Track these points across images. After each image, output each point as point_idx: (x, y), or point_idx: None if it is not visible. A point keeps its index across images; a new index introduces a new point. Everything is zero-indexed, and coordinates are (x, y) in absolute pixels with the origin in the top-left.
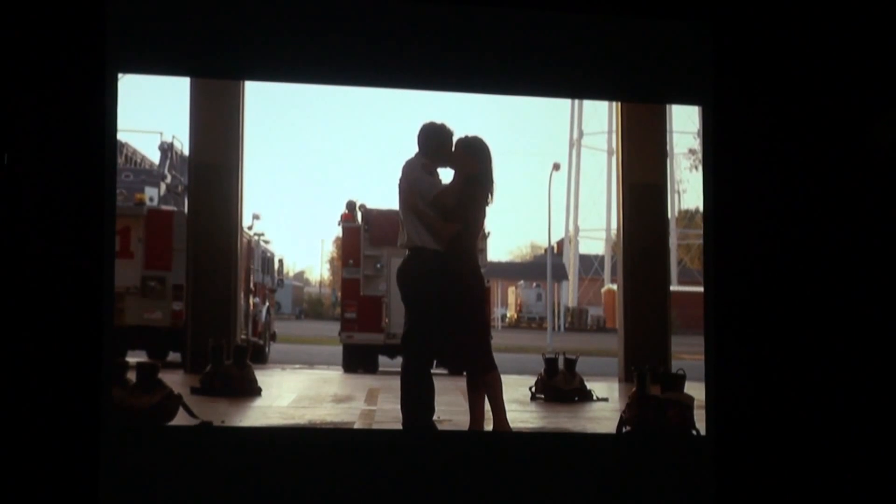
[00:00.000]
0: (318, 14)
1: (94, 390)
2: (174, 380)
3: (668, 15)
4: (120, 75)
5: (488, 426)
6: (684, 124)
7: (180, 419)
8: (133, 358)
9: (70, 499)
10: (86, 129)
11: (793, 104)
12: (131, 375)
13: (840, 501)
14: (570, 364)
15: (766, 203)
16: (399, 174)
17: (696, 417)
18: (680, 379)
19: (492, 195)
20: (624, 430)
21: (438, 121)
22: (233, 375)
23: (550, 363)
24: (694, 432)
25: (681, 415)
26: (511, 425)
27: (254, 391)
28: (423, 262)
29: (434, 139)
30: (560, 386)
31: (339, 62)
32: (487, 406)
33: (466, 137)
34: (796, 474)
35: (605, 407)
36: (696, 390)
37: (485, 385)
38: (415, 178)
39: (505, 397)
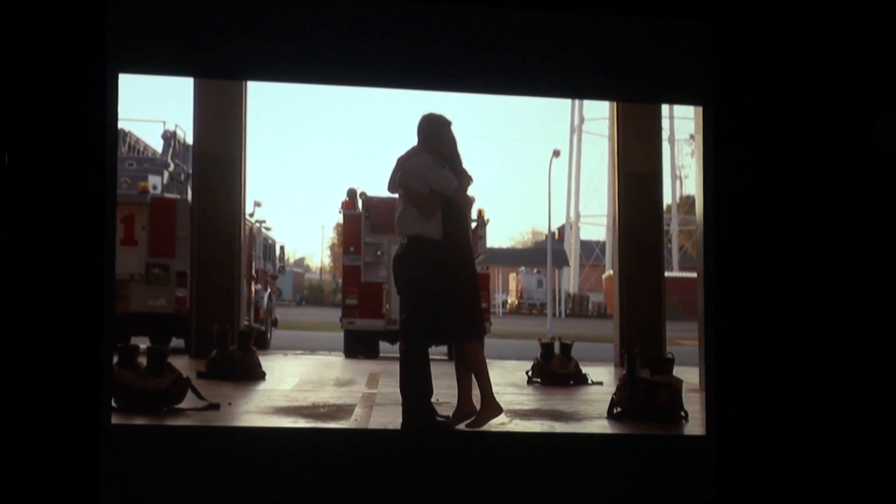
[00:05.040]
0: (319, 14)
1: (94, 384)
2: (180, 365)
3: (668, 15)
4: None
5: (478, 405)
6: (686, 110)
7: (188, 402)
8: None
9: (70, 497)
10: (86, 123)
11: (793, 104)
12: (141, 359)
13: (841, 501)
14: (566, 349)
15: (766, 202)
16: (396, 164)
17: (685, 400)
18: (669, 362)
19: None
20: (615, 411)
21: (435, 111)
22: (238, 360)
23: (546, 348)
24: (682, 413)
25: (669, 396)
26: (507, 407)
27: (258, 375)
28: (421, 249)
29: (434, 131)
30: (556, 370)
31: (340, 62)
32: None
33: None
34: (797, 474)
35: (599, 390)
36: (687, 374)
37: (468, 354)
38: (430, 171)
39: (503, 381)
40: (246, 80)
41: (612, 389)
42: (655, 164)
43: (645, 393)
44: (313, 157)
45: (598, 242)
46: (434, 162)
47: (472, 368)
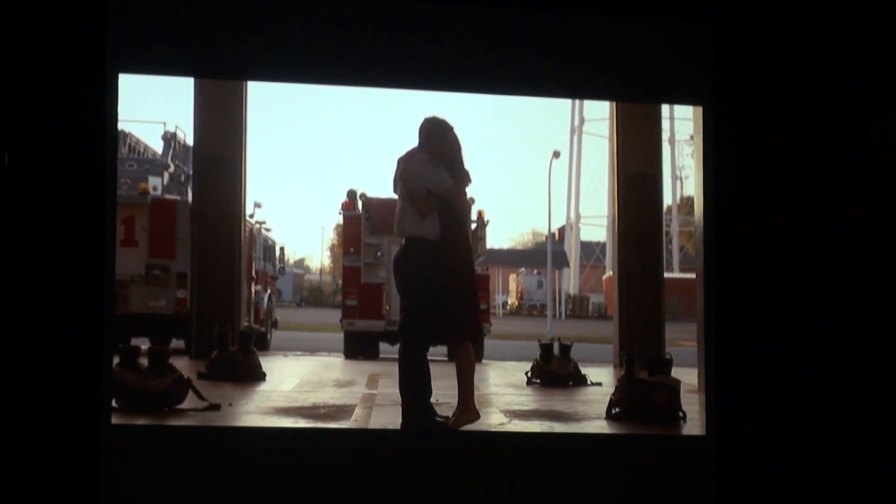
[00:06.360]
0: (319, 14)
1: (95, 384)
2: (180, 366)
3: (668, 15)
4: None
5: (481, 407)
6: (686, 110)
7: (189, 402)
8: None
9: (70, 497)
10: (86, 124)
11: (793, 104)
12: (142, 360)
13: (840, 501)
14: (565, 349)
15: (766, 203)
16: (397, 165)
17: (683, 401)
18: (667, 363)
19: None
20: (614, 411)
21: (438, 115)
22: (238, 361)
23: (546, 349)
24: (681, 414)
25: (667, 397)
26: (507, 408)
27: (259, 376)
28: (419, 250)
29: (436, 133)
30: (555, 371)
31: (341, 63)
32: (481, 389)
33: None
34: (796, 475)
35: (598, 391)
36: (687, 375)
37: (457, 354)
38: (425, 170)
39: (503, 381)
40: (246, 80)
41: (611, 390)
42: (655, 164)
43: (643, 393)
44: (313, 158)
45: (598, 243)
46: (429, 161)
47: (458, 368)
